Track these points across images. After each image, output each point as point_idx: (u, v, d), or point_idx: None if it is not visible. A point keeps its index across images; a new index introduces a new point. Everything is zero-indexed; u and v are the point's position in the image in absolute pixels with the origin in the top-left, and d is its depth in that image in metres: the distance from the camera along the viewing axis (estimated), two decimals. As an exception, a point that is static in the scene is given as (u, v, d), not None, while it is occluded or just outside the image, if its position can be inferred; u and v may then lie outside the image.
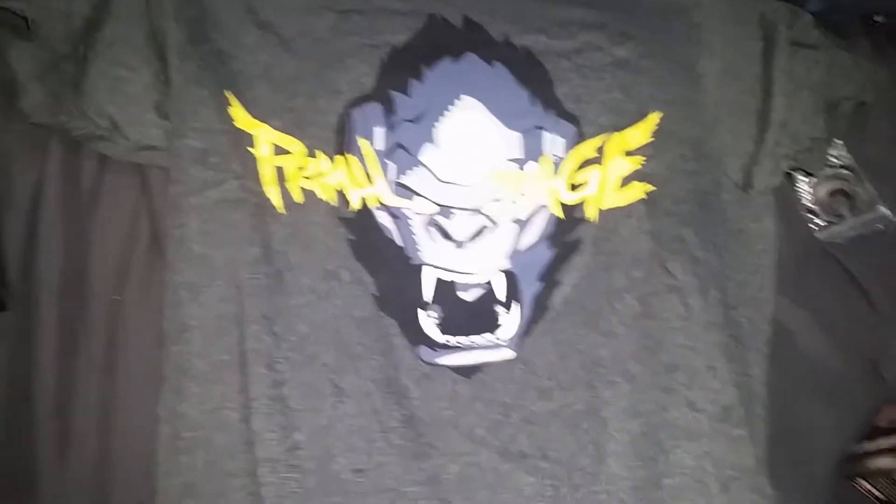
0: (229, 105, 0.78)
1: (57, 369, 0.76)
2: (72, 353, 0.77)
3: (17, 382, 0.76)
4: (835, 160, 0.89)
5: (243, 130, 0.78)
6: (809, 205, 0.88)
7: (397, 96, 0.79)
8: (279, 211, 0.76)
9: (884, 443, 0.77)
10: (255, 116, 0.78)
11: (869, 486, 0.78)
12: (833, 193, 0.88)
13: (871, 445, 0.79)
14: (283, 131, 0.78)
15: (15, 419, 0.75)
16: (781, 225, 0.84)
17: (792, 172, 0.88)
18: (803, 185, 0.88)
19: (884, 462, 0.75)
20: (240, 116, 0.78)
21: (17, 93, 0.77)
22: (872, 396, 0.83)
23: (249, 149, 0.77)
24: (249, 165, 0.77)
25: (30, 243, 0.79)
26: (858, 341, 0.84)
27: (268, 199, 0.77)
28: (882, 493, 0.78)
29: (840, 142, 0.89)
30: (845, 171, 0.89)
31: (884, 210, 0.88)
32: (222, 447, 0.71)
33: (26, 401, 0.75)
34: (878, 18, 0.96)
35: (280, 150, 0.78)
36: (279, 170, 0.77)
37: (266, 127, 0.78)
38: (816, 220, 0.87)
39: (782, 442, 0.78)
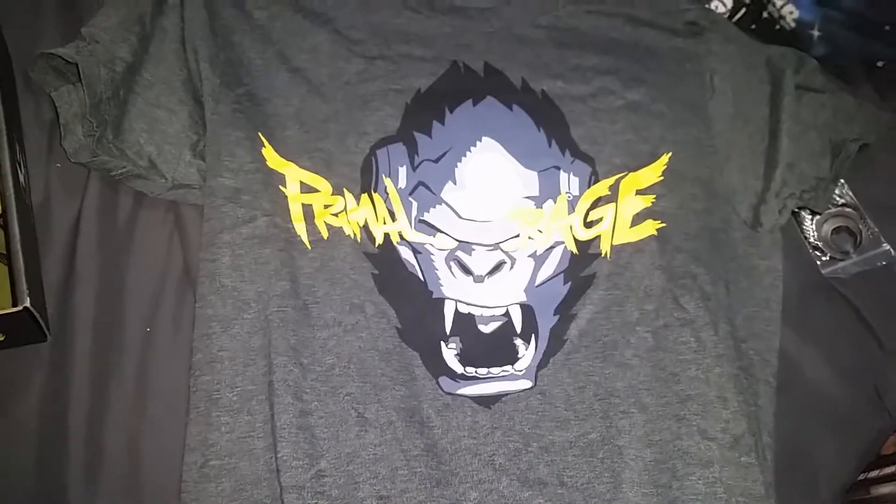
0: (262, 146, 0.82)
1: (90, 397, 0.78)
2: (104, 381, 0.79)
3: (51, 410, 0.78)
4: (839, 199, 0.92)
5: (274, 170, 0.82)
6: (814, 242, 0.90)
7: (421, 137, 0.83)
8: (306, 246, 0.80)
9: (888, 470, 0.79)
10: (284, 156, 0.82)
11: (875, 513, 0.80)
12: (837, 231, 0.91)
13: (875, 473, 0.80)
14: (311, 171, 0.82)
15: (47, 445, 0.77)
16: (788, 261, 0.87)
17: (798, 211, 0.90)
18: (808, 223, 0.91)
19: (887, 489, 0.77)
20: (271, 157, 0.82)
21: (61, 133, 0.81)
22: (877, 426, 0.84)
23: (281, 187, 0.81)
24: (279, 203, 0.81)
25: (67, 276, 0.81)
26: (863, 373, 0.86)
27: (296, 236, 0.80)
28: (887, 520, 0.80)
29: (843, 181, 0.92)
30: (849, 210, 0.91)
31: (886, 247, 0.90)
32: (249, 475, 0.73)
33: (59, 428, 0.77)
34: (880, 63, 0.99)
35: (308, 189, 0.81)
36: (307, 207, 0.81)
37: (295, 166, 0.82)
38: (822, 257, 0.90)
39: (790, 470, 0.80)
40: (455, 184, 0.82)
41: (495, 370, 0.77)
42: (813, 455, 0.83)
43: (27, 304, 0.70)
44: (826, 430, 0.83)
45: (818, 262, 0.89)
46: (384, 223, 0.81)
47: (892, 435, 0.84)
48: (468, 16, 0.90)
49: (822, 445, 0.83)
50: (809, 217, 0.91)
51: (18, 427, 0.77)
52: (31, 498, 0.76)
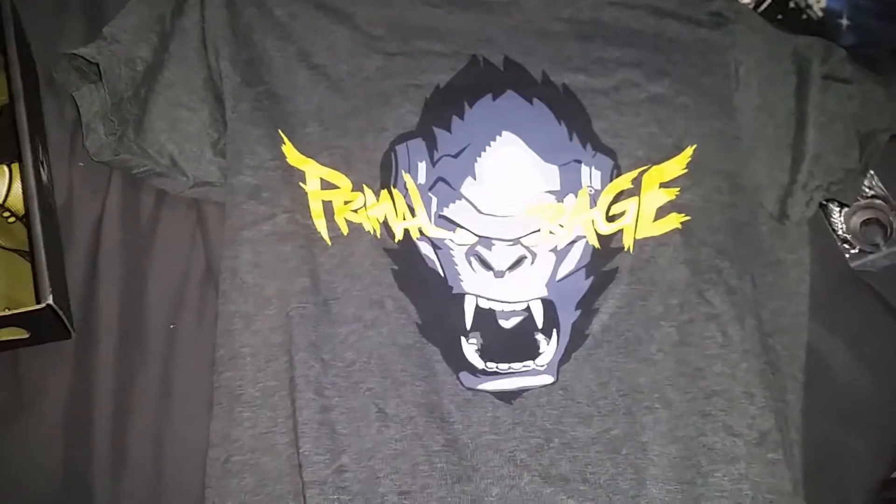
0: (282, 143, 0.82)
1: (114, 394, 0.79)
2: (129, 378, 0.80)
3: (76, 406, 0.79)
4: (868, 190, 0.90)
5: (294, 167, 0.82)
6: (843, 234, 0.89)
7: (440, 133, 0.83)
8: (327, 243, 0.80)
9: (919, 468, 0.78)
10: (304, 153, 0.82)
11: (906, 512, 0.79)
12: (867, 223, 0.89)
13: (906, 471, 0.79)
14: (331, 167, 0.82)
15: (73, 442, 0.78)
16: (816, 254, 0.85)
17: (826, 203, 0.89)
18: (837, 216, 0.90)
19: (921, 487, 0.76)
20: (291, 154, 0.82)
21: (83, 133, 0.81)
22: (907, 422, 0.83)
23: (301, 184, 0.81)
24: (299, 200, 0.81)
25: (91, 274, 0.82)
26: (892, 368, 0.84)
27: (316, 232, 0.80)
28: (918, 519, 0.78)
29: (873, 172, 0.90)
30: (878, 202, 0.90)
31: (917, 239, 0.89)
32: (271, 470, 0.74)
33: (84, 424, 0.78)
34: (910, 52, 0.97)
35: (327, 185, 0.81)
36: (327, 204, 0.81)
37: (315, 163, 0.82)
38: (850, 250, 0.88)
39: (818, 468, 0.79)
40: (475, 179, 0.81)
41: (516, 365, 0.76)
42: (842, 453, 0.81)
43: (50, 301, 0.71)
44: (856, 428, 0.82)
45: (847, 255, 0.88)
46: (404, 219, 0.80)
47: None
48: (488, 10, 0.89)
49: (852, 443, 0.82)
50: (838, 209, 0.90)
51: (44, 424, 0.78)
52: (56, 493, 0.77)
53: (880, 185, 0.90)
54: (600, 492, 0.73)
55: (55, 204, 0.83)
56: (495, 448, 0.74)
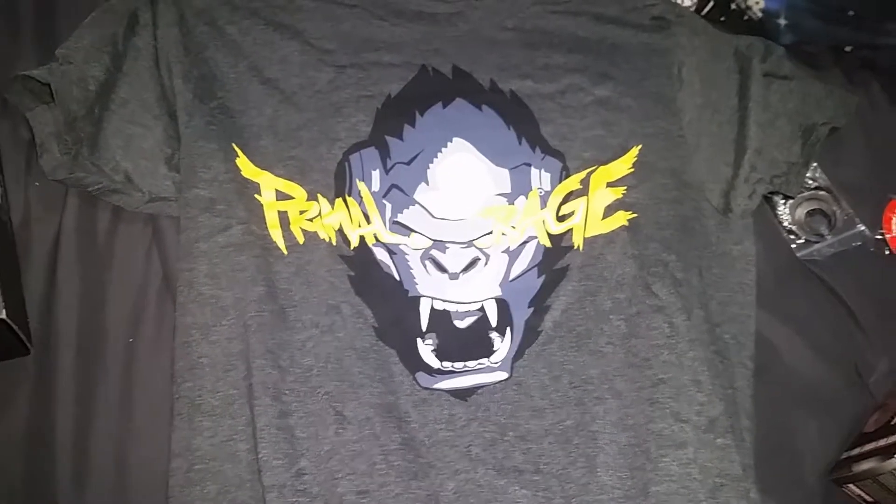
0: (236, 157, 0.83)
1: (75, 408, 0.79)
2: (89, 392, 0.80)
3: (37, 421, 0.79)
4: (811, 182, 0.93)
5: (249, 179, 0.83)
6: (789, 226, 0.91)
7: (392, 141, 0.84)
8: (283, 252, 0.81)
9: (869, 446, 0.79)
10: (259, 166, 0.83)
11: (858, 491, 0.79)
12: (811, 213, 0.92)
13: (857, 451, 0.80)
14: (286, 178, 0.83)
15: (35, 456, 0.78)
16: (763, 245, 0.88)
17: (771, 196, 0.91)
18: (782, 208, 0.92)
19: (869, 464, 0.76)
20: (245, 166, 0.83)
21: (38, 152, 0.82)
22: (857, 404, 0.85)
23: (256, 196, 0.82)
24: (255, 211, 0.82)
25: (49, 291, 0.83)
26: (842, 352, 0.87)
27: (272, 242, 0.81)
28: (870, 496, 0.79)
29: (816, 164, 0.92)
30: (822, 192, 0.92)
31: (861, 227, 0.91)
32: (232, 477, 0.74)
33: (46, 439, 0.78)
34: (848, 48, 1.00)
35: (283, 196, 0.82)
36: (282, 214, 0.82)
37: (269, 175, 0.83)
38: (796, 240, 0.90)
39: (772, 451, 0.81)
40: (427, 184, 0.83)
41: (471, 363, 0.78)
42: (795, 437, 0.83)
43: (3, 316, 0.71)
44: (808, 412, 0.84)
45: (793, 246, 0.90)
46: (359, 226, 0.82)
47: (873, 413, 0.83)
48: (435, 21, 0.91)
49: (805, 427, 0.84)
50: (783, 201, 0.92)
51: (6, 439, 0.78)
52: (20, 506, 0.77)
53: (823, 176, 0.93)
54: (553, 481, 0.74)
55: (11, 223, 0.84)
56: (451, 444, 0.75)
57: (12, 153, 0.87)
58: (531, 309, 0.80)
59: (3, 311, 0.72)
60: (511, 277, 0.81)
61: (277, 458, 0.73)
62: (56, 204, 0.85)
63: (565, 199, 0.84)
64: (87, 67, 0.83)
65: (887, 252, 0.92)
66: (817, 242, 0.90)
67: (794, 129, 0.89)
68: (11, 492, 0.77)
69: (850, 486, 0.80)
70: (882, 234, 0.92)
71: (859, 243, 0.91)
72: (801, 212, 0.92)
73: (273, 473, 0.73)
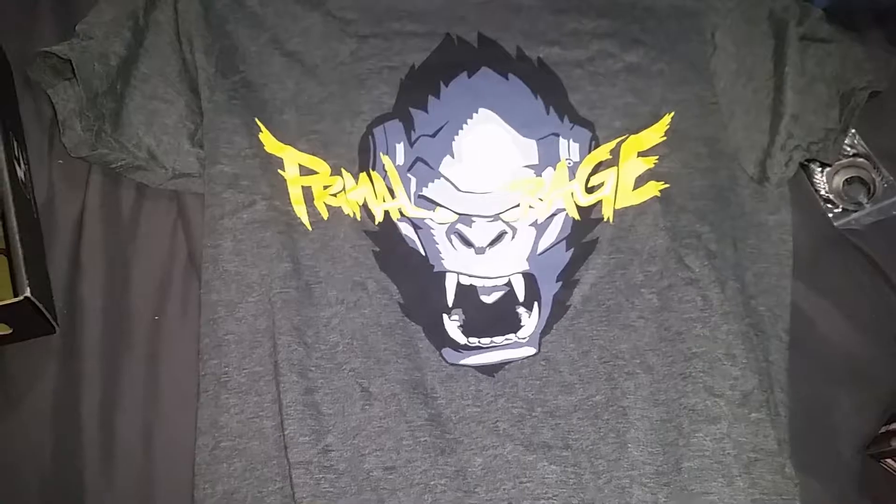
0: (259, 131, 0.82)
1: (101, 386, 0.80)
2: (115, 370, 0.80)
3: (64, 399, 0.79)
4: (850, 149, 0.89)
5: (272, 154, 0.82)
6: (826, 194, 0.88)
7: (417, 113, 0.83)
8: (307, 228, 0.80)
9: (908, 421, 0.77)
10: (282, 140, 0.82)
11: (895, 465, 0.78)
12: (849, 181, 0.89)
13: (894, 424, 0.78)
14: (309, 153, 0.82)
15: (62, 434, 0.79)
16: (799, 215, 0.85)
17: (808, 164, 0.88)
18: (819, 176, 0.89)
19: (907, 440, 0.75)
20: (269, 141, 0.82)
21: (60, 130, 0.82)
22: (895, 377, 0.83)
23: (279, 171, 0.81)
24: (278, 187, 0.81)
25: (74, 270, 0.83)
26: (880, 324, 0.84)
27: (296, 218, 0.81)
28: (908, 471, 0.77)
29: (854, 131, 0.89)
30: (861, 160, 0.89)
31: (902, 195, 0.88)
32: (259, 454, 0.74)
33: (72, 416, 0.79)
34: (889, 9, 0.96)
35: (306, 171, 0.82)
36: (306, 189, 0.81)
37: (292, 150, 0.82)
38: (833, 209, 0.87)
39: (808, 426, 0.79)
40: (453, 157, 0.82)
41: (498, 339, 0.77)
42: (832, 411, 0.81)
43: (27, 293, 0.71)
44: (844, 385, 0.82)
45: (830, 215, 0.87)
46: (384, 201, 0.81)
47: (913, 387, 0.81)
48: (459, -13, 0.89)
49: (841, 401, 0.81)
50: (820, 170, 0.89)
51: (33, 417, 0.79)
52: (48, 485, 0.77)
53: (862, 143, 0.90)
54: (582, 457, 0.73)
55: (35, 201, 0.84)
56: (478, 420, 0.74)
57: (35, 131, 0.87)
58: (559, 283, 0.79)
59: (28, 290, 0.72)
60: (539, 251, 0.80)
61: (304, 434, 0.73)
62: (79, 182, 0.86)
63: (595, 170, 0.82)
64: (108, 43, 0.82)
65: (928, 220, 0.89)
66: (855, 211, 0.87)
67: (832, 94, 0.86)
68: (40, 467, 0.78)
69: (889, 460, 0.78)
70: (923, 202, 0.89)
71: (900, 211, 0.88)
72: (838, 180, 0.88)
73: (299, 450, 0.73)
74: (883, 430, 0.79)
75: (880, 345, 0.83)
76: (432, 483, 0.72)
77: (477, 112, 0.83)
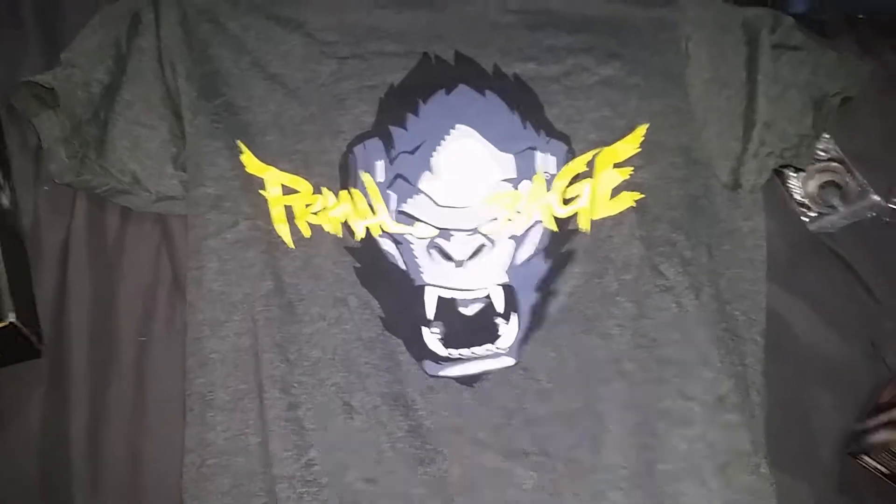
0: (241, 153, 0.84)
1: (89, 408, 0.80)
2: (102, 391, 0.81)
3: (52, 421, 0.80)
4: (823, 154, 0.91)
5: (254, 175, 0.83)
6: (801, 199, 0.89)
7: (396, 131, 0.85)
8: (289, 246, 0.81)
9: (884, 417, 0.77)
10: (264, 161, 0.84)
11: (873, 462, 0.78)
12: (824, 185, 0.90)
13: (872, 422, 0.79)
14: (291, 172, 0.83)
15: (50, 456, 0.79)
16: (774, 220, 0.86)
17: (782, 169, 0.89)
18: (794, 181, 0.90)
19: (883, 436, 0.75)
20: (250, 162, 0.84)
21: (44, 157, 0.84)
22: (873, 378, 0.83)
23: (261, 191, 0.83)
24: (260, 206, 0.83)
25: (60, 294, 0.84)
26: (857, 326, 0.85)
27: (278, 237, 0.82)
28: (886, 467, 0.78)
29: (828, 136, 0.90)
30: (835, 164, 0.90)
31: (875, 197, 0.89)
32: (244, 470, 0.75)
33: (60, 438, 0.79)
34: (861, 16, 0.97)
35: (288, 191, 0.83)
36: (288, 208, 0.83)
37: (274, 170, 0.83)
38: (808, 213, 0.88)
39: (787, 427, 0.80)
40: (432, 173, 0.83)
41: (478, 350, 0.78)
42: (810, 412, 0.82)
43: (13, 319, 0.73)
44: (822, 387, 0.83)
45: (805, 219, 0.88)
46: (364, 217, 0.82)
47: (888, 385, 0.82)
48: (437, 7, 0.91)
49: (819, 402, 0.83)
50: (794, 174, 0.90)
51: (21, 439, 0.80)
52: (36, 508, 0.78)
53: (836, 147, 0.91)
54: (559, 463, 0.74)
55: (21, 227, 0.85)
56: (458, 430, 0.75)
57: (21, 159, 0.89)
58: (538, 293, 0.80)
59: (13, 315, 0.73)
60: (517, 263, 0.81)
61: (287, 449, 0.74)
62: (65, 207, 0.87)
63: (571, 182, 0.83)
64: (91, 71, 0.84)
65: (901, 221, 0.90)
66: (830, 214, 0.88)
67: (805, 101, 0.87)
68: (28, 491, 0.78)
69: (865, 457, 0.78)
70: (896, 204, 0.90)
71: (874, 214, 0.89)
72: (813, 184, 0.90)
73: (282, 465, 0.74)
74: (860, 427, 0.80)
75: (856, 346, 0.84)
76: (412, 493, 0.73)
77: (455, 128, 0.84)
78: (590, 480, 0.73)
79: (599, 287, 0.79)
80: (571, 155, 0.84)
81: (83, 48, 0.85)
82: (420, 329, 0.78)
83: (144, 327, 0.84)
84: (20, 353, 0.80)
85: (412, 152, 0.84)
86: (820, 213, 0.89)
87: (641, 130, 0.85)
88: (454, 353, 0.78)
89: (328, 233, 0.82)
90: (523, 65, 0.88)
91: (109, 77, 0.85)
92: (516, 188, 0.83)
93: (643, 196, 0.82)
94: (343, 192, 0.83)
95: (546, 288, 0.80)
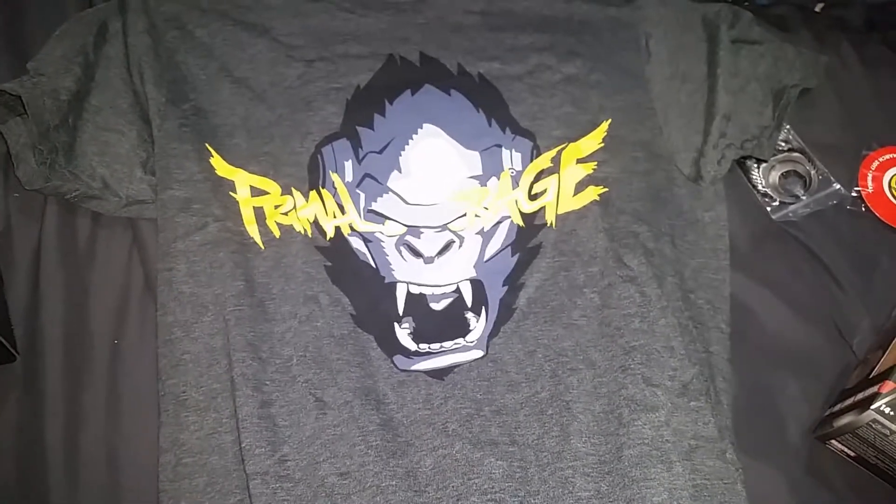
0: (210, 156, 0.85)
1: (64, 411, 0.81)
2: (77, 394, 0.82)
3: (28, 425, 0.80)
4: (785, 144, 0.92)
5: (223, 177, 0.84)
6: (764, 189, 0.91)
7: (364, 131, 0.86)
8: (260, 247, 0.82)
9: (848, 401, 0.78)
10: (233, 164, 0.85)
11: (840, 446, 0.79)
12: (786, 175, 0.92)
13: (838, 406, 0.80)
14: (260, 174, 0.84)
15: (27, 459, 0.80)
16: (738, 210, 0.88)
17: (745, 160, 0.91)
18: (756, 172, 0.92)
19: (848, 419, 0.76)
20: (220, 165, 0.85)
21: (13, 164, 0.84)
22: (839, 362, 0.85)
23: (231, 193, 0.83)
24: (231, 208, 0.83)
25: (33, 299, 0.85)
26: (821, 311, 0.86)
27: (249, 238, 0.82)
28: (851, 450, 0.79)
29: (788, 126, 0.92)
30: (796, 154, 0.92)
31: (837, 186, 0.91)
32: (219, 468, 0.76)
33: (36, 442, 0.80)
34: (818, 7, 1.00)
35: (258, 192, 0.84)
36: (258, 210, 0.83)
37: (244, 172, 0.84)
38: (772, 203, 0.90)
39: (755, 413, 0.81)
40: (400, 171, 0.84)
41: (448, 344, 0.79)
42: (777, 398, 0.84)
43: (-17, 324, 0.73)
44: (788, 373, 0.84)
45: (768, 209, 0.90)
46: (334, 217, 0.83)
47: (854, 370, 0.83)
48: (401, 10, 0.92)
49: (786, 388, 0.84)
50: (756, 165, 0.92)
51: (-2, 447, 0.80)
52: (15, 510, 0.79)
53: (796, 137, 0.93)
54: (528, 451, 0.75)
55: (-8, 235, 0.86)
56: (428, 422, 0.76)
57: (-11, 167, 0.89)
58: (506, 287, 0.81)
59: (-17, 320, 0.74)
60: (486, 258, 0.82)
61: (260, 446, 0.75)
62: (36, 213, 0.88)
63: (537, 178, 0.84)
64: (58, 79, 0.85)
65: (864, 209, 0.91)
66: (792, 204, 0.90)
67: (765, 93, 0.89)
68: (6, 496, 0.79)
69: (833, 441, 0.80)
70: (858, 191, 0.92)
71: (835, 202, 0.91)
72: (775, 174, 0.91)
73: (256, 461, 0.74)
74: (827, 412, 0.81)
75: (821, 331, 0.86)
76: (384, 485, 0.73)
77: (422, 127, 0.86)
78: (557, 468, 0.74)
79: (566, 279, 0.81)
80: (537, 151, 0.85)
81: (50, 57, 0.86)
82: (391, 325, 0.79)
83: (118, 330, 0.84)
84: (-6, 358, 0.80)
85: (380, 152, 0.85)
86: (783, 203, 0.90)
87: (604, 126, 0.86)
88: (424, 347, 0.79)
89: (298, 233, 0.83)
90: (487, 64, 0.89)
91: (77, 84, 0.86)
92: (483, 185, 0.84)
93: (606, 189, 0.84)
94: (312, 193, 0.84)
95: (514, 282, 0.81)
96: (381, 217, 0.83)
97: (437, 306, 0.80)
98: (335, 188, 0.83)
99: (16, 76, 0.85)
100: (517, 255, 0.82)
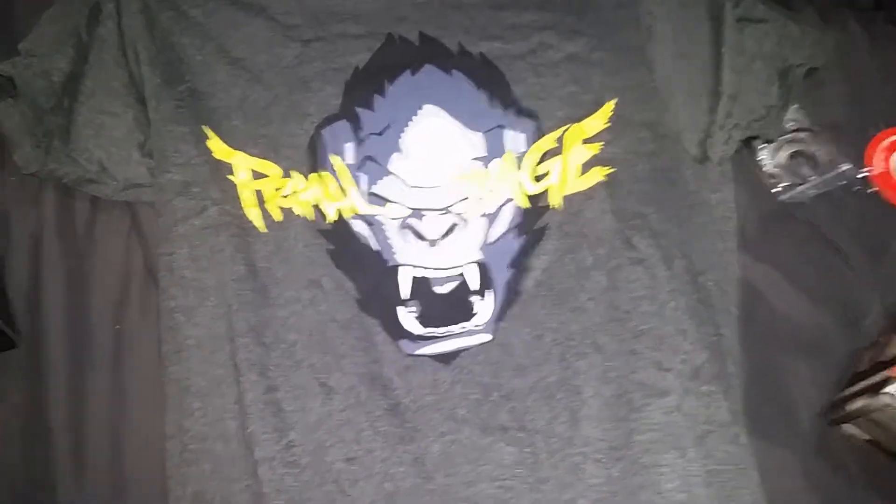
0: (207, 138, 0.83)
1: (68, 397, 0.81)
2: (80, 381, 0.81)
3: (32, 413, 0.80)
4: (792, 124, 0.91)
5: (221, 160, 0.83)
6: (771, 170, 0.90)
7: (363, 112, 0.84)
8: (261, 230, 0.81)
9: (861, 384, 0.78)
10: (231, 146, 0.83)
11: (853, 430, 0.79)
12: (793, 156, 0.90)
13: (850, 389, 0.79)
14: (259, 157, 0.83)
15: (32, 447, 0.80)
16: (745, 191, 0.87)
17: (751, 140, 0.90)
18: (763, 152, 0.91)
19: (861, 402, 0.76)
20: (217, 147, 0.83)
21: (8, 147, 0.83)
22: (849, 345, 0.84)
23: (229, 176, 0.82)
24: (229, 192, 0.82)
25: (33, 285, 0.84)
26: (831, 293, 0.86)
27: (249, 221, 0.81)
28: (866, 433, 0.78)
29: (797, 106, 0.91)
30: (803, 134, 0.91)
31: (845, 166, 0.90)
32: (225, 454, 0.75)
33: (41, 429, 0.80)
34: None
35: (258, 175, 0.83)
36: (258, 192, 0.82)
37: (243, 154, 0.83)
38: (779, 184, 0.89)
39: (765, 396, 0.81)
40: (401, 153, 0.83)
41: (454, 328, 0.78)
42: (788, 381, 0.83)
43: (-17, 311, 0.72)
44: (798, 355, 0.83)
45: (775, 190, 0.89)
46: (335, 200, 0.82)
47: (866, 352, 0.83)
48: (400, -12, 0.91)
49: (796, 370, 0.83)
50: (763, 146, 0.91)
51: (2, 432, 0.80)
52: (21, 495, 0.79)
53: (804, 117, 0.91)
54: (537, 437, 0.74)
55: (-10, 220, 0.85)
56: (436, 407, 0.76)
57: (-16, 151, 0.88)
58: (512, 270, 0.80)
59: (-17, 308, 0.73)
60: (490, 240, 0.81)
61: (266, 432, 0.74)
62: (34, 198, 0.87)
63: (541, 159, 0.83)
64: (50, 60, 0.84)
65: (872, 189, 0.90)
66: (800, 184, 0.89)
67: (770, 72, 0.88)
68: (11, 483, 0.79)
69: (845, 425, 0.79)
70: (866, 172, 0.91)
71: (844, 182, 0.89)
72: (782, 155, 0.90)
73: (263, 447, 0.74)
74: (839, 396, 0.81)
75: (831, 313, 0.85)
76: (392, 471, 0.73)
77: (422, 108, 0.85)
78: (568, 454, 0.74)
79: (573, 262, 0.80)
80: (540, 132, 0.84)
81: (42, 38, 0.84)
82: (395, 309, 0.79)
83: (119, 315, 0.84)
84: (-2, 345, 0.79)
85: (380, 133, 0.84)
86: (791, 184, 0.89)
87: (610, 106, 0.85)
88: (430, 331, 0.78)
89: (299, 216, 0.82)
90: (489, 43, 0.88)
91: (70, 65, 0.84)
92: (486, 167, 0.83)
93: (613, 170, 0.82)
94: (313, 175, 0.82)
95: (520, 264, 0.80)
96: (382, 200, 0.82)
97: (442, 290, 0.79)
98: (335, 171, 0.82)
99: (6, 58, 0.83)
100: (523, 238, 0.81)
